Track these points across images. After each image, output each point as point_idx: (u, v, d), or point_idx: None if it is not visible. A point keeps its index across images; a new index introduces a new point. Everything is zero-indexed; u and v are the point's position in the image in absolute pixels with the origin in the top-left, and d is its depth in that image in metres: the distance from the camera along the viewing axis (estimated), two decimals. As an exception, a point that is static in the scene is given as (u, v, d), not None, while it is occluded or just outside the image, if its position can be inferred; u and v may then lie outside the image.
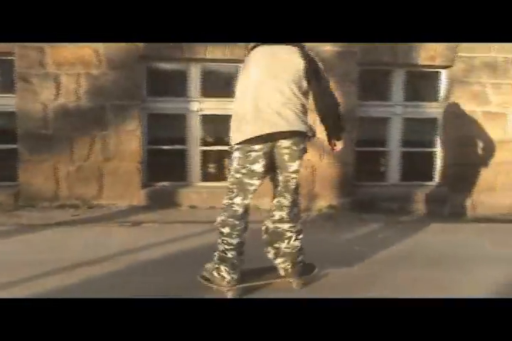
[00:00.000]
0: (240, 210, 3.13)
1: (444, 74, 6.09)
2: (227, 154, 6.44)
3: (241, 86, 3.14)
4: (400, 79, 6.00)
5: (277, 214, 3.28)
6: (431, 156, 6.21)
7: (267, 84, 3.05)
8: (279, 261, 3.34)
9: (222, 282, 3.15)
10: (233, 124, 3.14)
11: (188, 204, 5.67)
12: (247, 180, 3.10)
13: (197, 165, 5.91)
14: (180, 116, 5.84)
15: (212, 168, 6.20)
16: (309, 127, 3.14)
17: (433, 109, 6.10)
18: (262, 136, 3.01)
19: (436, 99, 6.12)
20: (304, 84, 3.10)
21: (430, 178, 6.19)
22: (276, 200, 3.28)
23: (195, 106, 5.81)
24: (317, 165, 5.74)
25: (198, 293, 3.16)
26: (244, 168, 3.09)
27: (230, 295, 3.16)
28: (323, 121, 3.21)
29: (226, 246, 3.14)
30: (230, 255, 3.14)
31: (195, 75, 5.78)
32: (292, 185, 3.22)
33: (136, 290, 3.24)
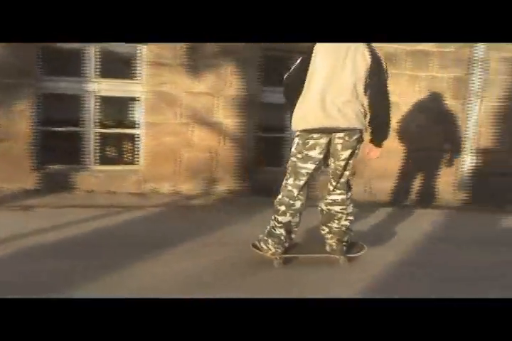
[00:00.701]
0: (295, 191, 3.49)
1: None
2: (127, 137, 6.27)
3: (311, 78, 3.37)
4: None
5: (329, 198, 3.60)
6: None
7: (335, 81, 3.32)
8: (328, 237, 3.68)
9: (268, 252, 3.57)
10: (297, 112, 3.44)
11: (84, 189, 5.46)
12: (300, 164, 3.45)
13: (93, 148, 5.68)
14: (76, 97, 5.58)
15: (110, 151, 6.01)
16: (364, 125, 3.43)
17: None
18: (321, 128, 3.35)
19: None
20: (367, 82, 3.36)
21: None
22: (329, 185, 3.59)
23: (91, 86, 5.57)
24: (218, 150, 5.70)
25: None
26: (300, 153, 3.45)
27: (275, 264, 3.57)
28: (371, 121, 3.44)
29: (276, 223, 3.54)
30: (278, 231, 3.53)
31: (92, 55, 5.53)
32: (341, 170, 3.51)
33: (24, 275, 3.08)
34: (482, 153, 6.46)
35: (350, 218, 3.63)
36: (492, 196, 6.28)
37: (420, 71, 6.17)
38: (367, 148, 3.58)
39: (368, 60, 3.33)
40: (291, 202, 3.50)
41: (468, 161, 6.38)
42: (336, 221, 3.61)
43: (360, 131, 3.42)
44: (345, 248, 3.68)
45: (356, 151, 3.49)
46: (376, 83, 3.37)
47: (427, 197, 6.35)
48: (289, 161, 3.52)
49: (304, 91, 3.41)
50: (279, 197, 3.54)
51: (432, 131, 6.29)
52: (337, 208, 3.58)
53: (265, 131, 6.01)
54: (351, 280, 3.42)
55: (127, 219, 4.58)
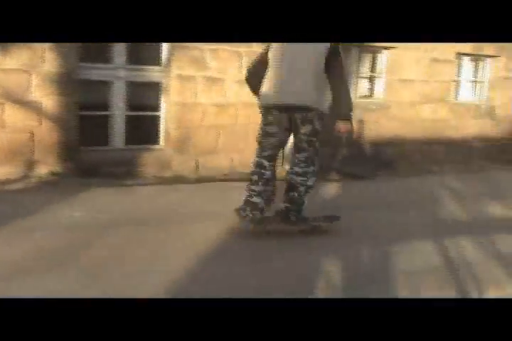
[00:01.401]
0: (264, 161, 3.98)
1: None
2: None
3: (275, 64, 3.83)
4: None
5: (294, 169, 3.97)
6: (155, 120, 6.24)
7: (295, 67, 3.76)
8: (286, 205, 3.99)
9: (246, 218, 3.91)
10: (261, 92, 3.95)
11: None
12: (263, 139, 3.99)
13: None
14: None
15: None
16: (322, 105, 3.84)
17: (156, 73, 6.12)
18: (278, 104, 3.84)
19: (158, 63, 6.13)
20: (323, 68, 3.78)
21: (155, 141, 6.24)
22: (293, 157, 4.03)
23: None
24: (36, 131, 5.34)
25: None
26: (261, 128, 4.01)
27: (242, 226, 3.94)
28: (333, 100, 3.85)
29: (251, 192, 3.94)
30: (253, 200, 3.93)
31: None
32: (304, 144, 3.90)
33: None
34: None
35: (309, 190, 4.00)
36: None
37: (242, 47, 6.25)
38: (338, 125, 3.93)
39: (324, 50, 3.76)
40: (262, 171, 3.97)
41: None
42: (295, 191, 3.94)
43: (318, 110, 3.82)
44: (293, 217, 3.99)
45: (317, 128, 3.88)
46: (334, 69, 3.79)
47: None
48: (256, 135, 4.05)
49: (267, 76, 3.89)
50: (252, 168, 4.00)
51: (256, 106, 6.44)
52: (298, 179, 3.95)
53: (86, 109, 5.74)
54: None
55: None
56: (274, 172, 4.03)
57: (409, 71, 7.64)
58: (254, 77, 4.04)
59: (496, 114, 8.71)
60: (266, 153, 4.00)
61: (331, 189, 5.98)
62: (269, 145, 4.00)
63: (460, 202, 5.66)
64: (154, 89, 6.21)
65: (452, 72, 8.17)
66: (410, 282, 3.40)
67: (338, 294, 3.14)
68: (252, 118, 6.44)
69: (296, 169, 3.97)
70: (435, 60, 7.79)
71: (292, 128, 3.93)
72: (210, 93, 6.21)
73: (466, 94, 8.65)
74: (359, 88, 7.58)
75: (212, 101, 6.24)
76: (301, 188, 3.96)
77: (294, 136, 3.99)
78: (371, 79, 7.70)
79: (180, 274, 3.21)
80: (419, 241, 4.21)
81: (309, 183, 3.98)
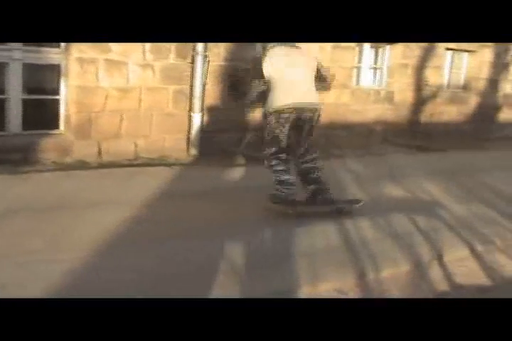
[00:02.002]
0: (277, 149, 4.44)
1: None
2: None
3: (276, 71, 4.36)
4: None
5: (303, 158, 4.52)
6: (55, 104, 6.03)
7: (296, 75, 4.37)
8: (308, 188, 4.54)
9: (282, 196, 4.40)
10: (272, 99, 4.38)
11: None
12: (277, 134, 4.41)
13: None
14: None
15: None
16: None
17: (55, 55, 5.89)
18: (292, 105, 4.33)
19: (58, 45, 5.90)
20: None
21: (55, 126, 6.03)
22: (300, 150, 4.53)
23: None
24: None
25: None
26: (275, 129, 4.41)
27: (290, 210, 4.39)
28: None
29: (278, 174, 4.42)
30: (283, 177, 4.42)
31: None
32: (307, 136, 4.49)
33: None
34: (208, 110, 6.79)
35: (320, 170, 4.56)
36: (218, 151, 6.69)
37: (145, 29, 6.13)
38: None
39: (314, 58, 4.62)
40: (278, 155, 4.44)
41: (196, 119, 6.63)
42: (311, 174, 4.50)
43: (319, 108, 4.47)
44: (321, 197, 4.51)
45: (317, 120, 4.50)
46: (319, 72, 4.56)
47: (163, 155, 6.49)
48: (267, 133, 4.46)
49: (272, 86, 4.36)
50: (269, 160, 4.47)
51: (160, 90, 6.40)
52: (310, 165, 4.51)
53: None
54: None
55: None
56: (288, 154, 4.50)
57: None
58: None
59: (394, 99, 9.09)
60: (282, 145, 4.43)
61: (236, 173, 6.04)
62: (277, 142, 4.42)
63: (361, 184, 5.89)
64: (53, 72, 5.99)
65: (353, 58, 8.43)
66: (311, 263, 3.52)
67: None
68: (156, 103, 6.39)
69: (307, 157, 4.52)
70: (337, 47, 8.00)
71: (298, 126, 4.42)
72: (112, 77, 6.07)
73: (367, 80, 8.96)
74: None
75: (115, 84, 6.10)
76: (315, 170, 4.54)
77: (301, 133, 4.47)
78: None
79: (78, 263, 3.16)
80: (323, 222, 4.36)
81: (319, 165, 4.58)
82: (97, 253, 3.36)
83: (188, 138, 6.73)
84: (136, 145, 6.34)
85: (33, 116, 5.82)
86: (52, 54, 5.87)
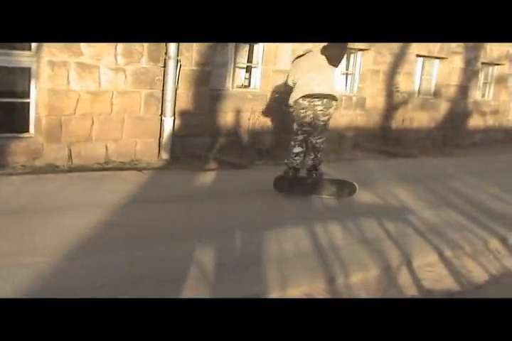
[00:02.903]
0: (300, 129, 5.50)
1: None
2: None
3: (297, 74, 5.38)
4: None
5: (315, 137, 5.50)
6: (25, 107, 5.98)
7: (314, 73, 5.26)
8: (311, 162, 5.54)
9: (290, 165, 5.50)
10: (293, 93, 5.41)
11: None
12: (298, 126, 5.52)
13: None
14: None
15: None
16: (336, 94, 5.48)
17: (25, 58, 5.85)
18: (311, 94, 5.28)
19: (28, 48, 5.86)
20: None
21: (25, 129, 5.98)
22: (313, 132, 5.48)
23: None
24: None
25: None
26: (298, 120, 5.49)
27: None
28: None
29: (293, 143, 5.51)
30: (295, 150, 5.50)
31: None
32: (322, 121, 5.43)
33: None
34: (180, 115, 6.79)
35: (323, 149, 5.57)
36: (190, 155, 6.70)
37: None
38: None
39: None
40: (295, 137, 5.52)
41: (168, 123, 6.63)
42: (318, 152, 5.50)
43: (335, 99, 5.38)
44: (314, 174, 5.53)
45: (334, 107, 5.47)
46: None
47: (134, 159, 6.48)
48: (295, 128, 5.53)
49: (296, 84, 5.35)
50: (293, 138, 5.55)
51: (132, 94, 6.38)
52: (321, 145, 5.52)
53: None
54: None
55: None
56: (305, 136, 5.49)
57: (285, 62, 7.84)
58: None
59: (366, 105, 9.20)
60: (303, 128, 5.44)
61: (208, 177, 6.06)
62: (304, 125, 5.41)
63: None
64: (24, 74, 5.94)
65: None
66: (281, 268, 3.54)
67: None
68: (128, 107, 6.37)
69: (317, 137, 5.45)
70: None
71: (315, 115, 5.32)
72: (83, 80, 6.04)
73: (338, 85, 9.04)
74: (236, 78, 7.69)
75: (86, 88, 6.07)
76: (321, 149, 5.53)
77: (316, 120, 5.36)
78: (248, 69, 7.84)
79: (46, 267, 3.15)
80: (293, 227, 4.39)
81: (323, 146, 5.56)
82: (64, 257, 3.35)
83: (160, 142, 6.73)
84: (107, 149, 6.31)
85: (2, 119, 5.78)
86: (22, 57, 5.83)
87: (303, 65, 5.39)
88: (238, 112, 7.43)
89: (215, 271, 3.42)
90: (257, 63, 7.73)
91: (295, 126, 5.56)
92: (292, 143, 5.56)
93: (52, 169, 5.70)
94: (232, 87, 7.50)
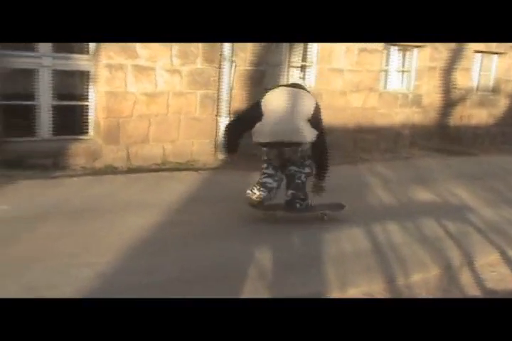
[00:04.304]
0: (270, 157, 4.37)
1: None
2: None
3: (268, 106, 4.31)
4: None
5: (291, 167, 4.38)
6: (84, 110, 6.09)
7: (284, 114, 4.26)
8: (288, 193, 4.39)
9: (253, 196, 4.30)
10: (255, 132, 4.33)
11: None
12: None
13: None
14: None
15: None
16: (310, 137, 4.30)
17: (84, 62, 5.96)
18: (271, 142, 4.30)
19: (86, 52, 5.97)
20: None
21: (84, 132, 6.10)
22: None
23: None
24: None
25: None
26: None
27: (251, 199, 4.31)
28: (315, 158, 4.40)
29: (263, 175, 4.36)
30: (263, 180, 4.34)
31: None
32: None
33: None
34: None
35: (308, 176, 4.42)
36: (246, 155, 6.67)
37: (172, 35, 6.17)
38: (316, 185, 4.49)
39: (311, 102, 4.36)
40: (270, 161, 4.36)
41: (223, 123, 6.62)
42: (296, 178, 4.37)
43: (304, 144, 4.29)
44: (299, 205, 4.38)
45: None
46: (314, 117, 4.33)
47: (191, 159, 6.51)
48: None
49: (261, 121, 4.28)
50: (263, 162, 4.40)
51: (188, 95, 6.42)
52: (296, 169, 4.36)
53: (10, 98, 5.55)
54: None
55: None
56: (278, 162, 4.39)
57: (340, 60, 7.76)
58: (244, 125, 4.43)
59: (423, 102, 8.99)
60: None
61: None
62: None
63: (389, 188, 5.83)
64: (82, 78, 6.06)
65: (380, 61, 8.36)
66: (340, 266, 3.49)
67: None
68: (184, 108, 6.41)
69: (293, 167, 4.37)
70: (364, 50, 7.94)
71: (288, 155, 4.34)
72: (140, 82, 6.11)
73: (394, 83, 8.88)
74: (291, 77, 7.63)
75: (143, 90, 6.14)
76: (301, 175, 4.38)
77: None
78: (303, 69, 7.78)
79: (110, 266, 3.18)
80: (351, 227, 4.32)
81: (307, 171, 4.43)
82: (124, 256, 3.37)
83: (216, 143, 6.74)
84: (164, 150, 6.37)
85: (62, 121, 5.89)
86: (81, 60, 5.94)
87: (276, 98, 4.39)
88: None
89: (274, 271, 3.39)
90: (312, 62, 7.65)
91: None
92: (265, 167, 4.41)
93: (111, 170, 5.79)
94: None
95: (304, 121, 4.31)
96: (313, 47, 7.62)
